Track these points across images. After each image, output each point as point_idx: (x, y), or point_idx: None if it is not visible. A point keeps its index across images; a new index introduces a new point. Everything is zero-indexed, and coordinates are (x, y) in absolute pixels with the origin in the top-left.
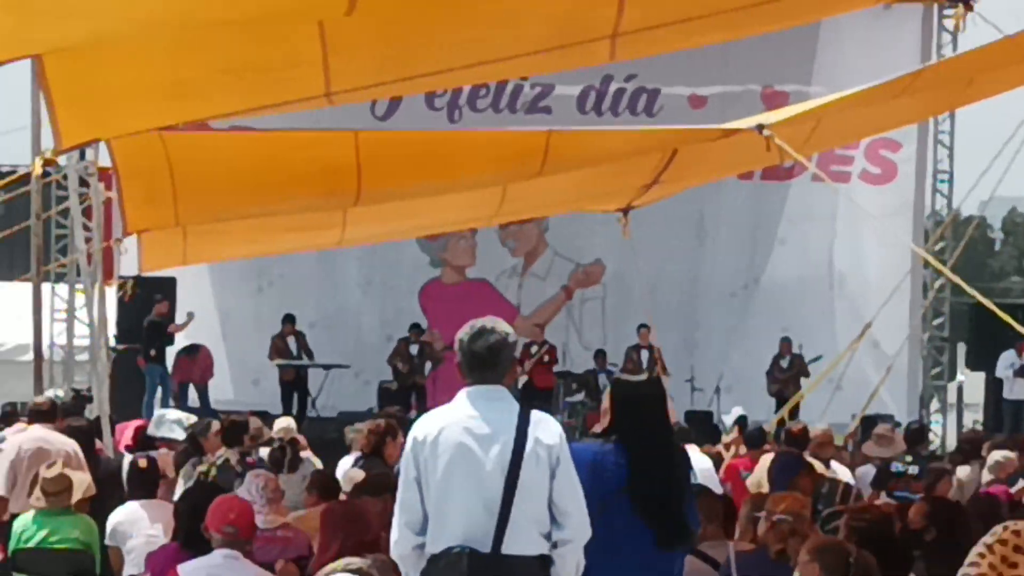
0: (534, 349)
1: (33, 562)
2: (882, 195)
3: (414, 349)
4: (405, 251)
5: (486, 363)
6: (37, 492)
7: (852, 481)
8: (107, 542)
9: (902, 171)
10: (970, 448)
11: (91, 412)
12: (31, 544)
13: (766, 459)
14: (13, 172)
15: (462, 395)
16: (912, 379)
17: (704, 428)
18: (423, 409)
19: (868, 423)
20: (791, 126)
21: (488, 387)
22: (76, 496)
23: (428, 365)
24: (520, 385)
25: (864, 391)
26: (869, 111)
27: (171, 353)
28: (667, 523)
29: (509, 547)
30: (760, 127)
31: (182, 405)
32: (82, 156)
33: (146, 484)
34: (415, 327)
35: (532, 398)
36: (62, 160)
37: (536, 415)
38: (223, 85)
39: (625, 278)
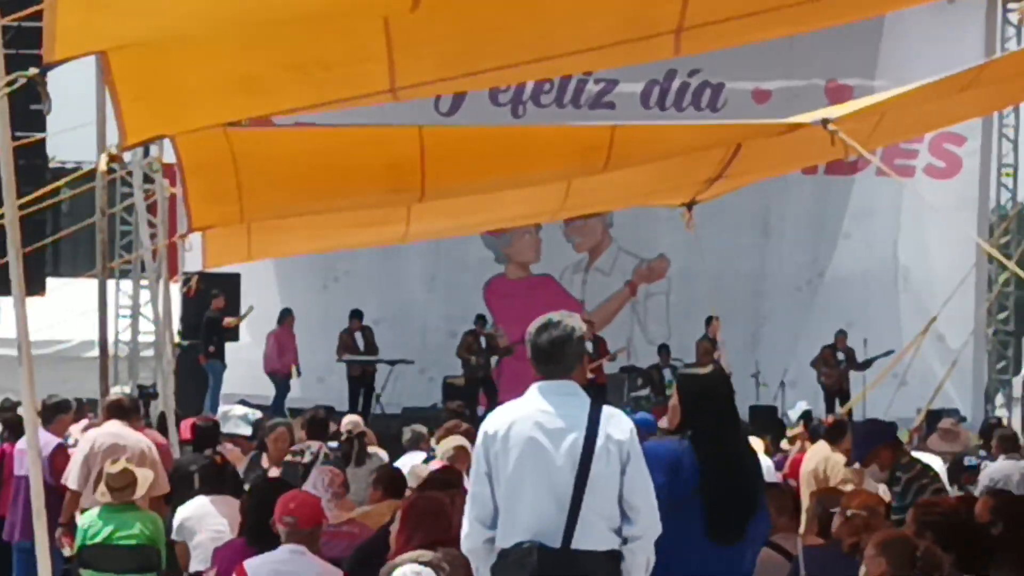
0: (588, 346)
1: (99, 558)
2: (946, 189)
3: (483, 341)
4: (470, 247)
5: (550, 357)
6: (102, 487)
7: (942, 471)
8: (174, 537)
9: (966, 165)
10: None
11: (156, 408)
12: (97, 540)
13: (816, 450)
14: (78, 169)
15: (533, 389)
16: (977, 373)
17: (769, 423)
18: (494, 403)
19: (933, 417)
20: (855, 120)
21: (559, 382)
22: (140, 492)
23: (493, 360)
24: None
25: (929, 386)
26: (933, 105)
27: (232, 348)
28: (727, 519)
29: (579, 542)
30: (825, 121)
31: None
32: (147, 152)
33: (220, 480)
34: (480, 318)
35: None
36: (127, 157)
37: (608, 410)
38: (288, 81)
39: (689, 273)
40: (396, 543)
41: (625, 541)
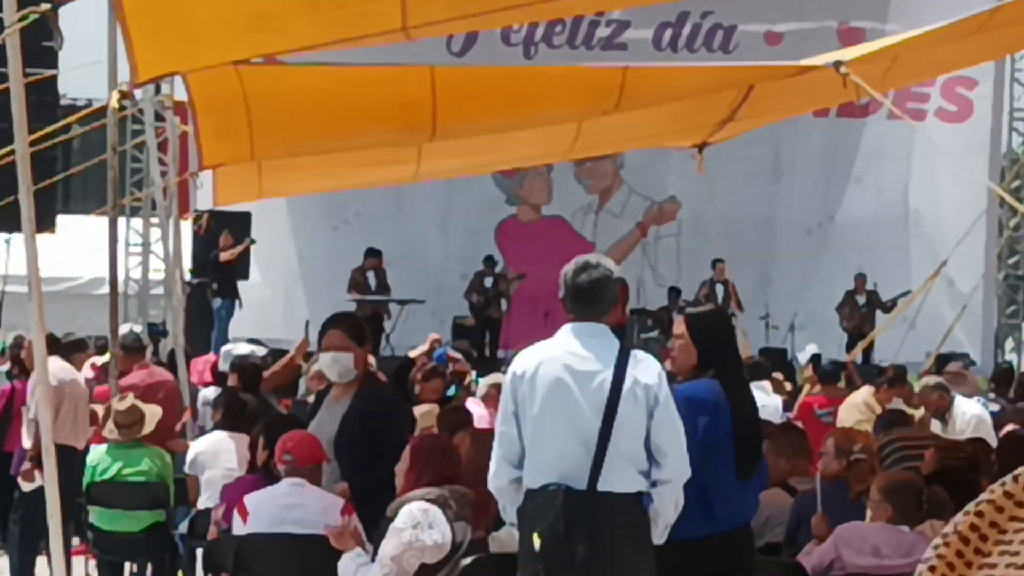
0: None
1: (108, 494)
2: (958, 133)
3: (488, 282)
4: (481, 189)
5: (588, 298)
6: (110, 424)
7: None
8: (186, 470)
9: (978, 109)
10: None
11: (166, 346)
12: (106, 477)
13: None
14: (89, 105)
15: (564, 330)
16: (987, 318)
17: (778, 365)
18: (495, 345)
19: (943, 361)
20: (868, 63)
21: (591, 324)
22: (148, 428)
23: (503, 301)
24: None
25: (939, 329)
26: (946, 48)
27: (244, 287)
28: (751, 454)
29: (605, 484)
30: (837, 64)
31: None
32: (158, 90)
33: (241, 417)
34: (489, 259)
35: None
36: (138, 94)
37: (637, 354)
38: (300, 18)
39: (700, 215)
40: (405, 481)
41: (654, 484)
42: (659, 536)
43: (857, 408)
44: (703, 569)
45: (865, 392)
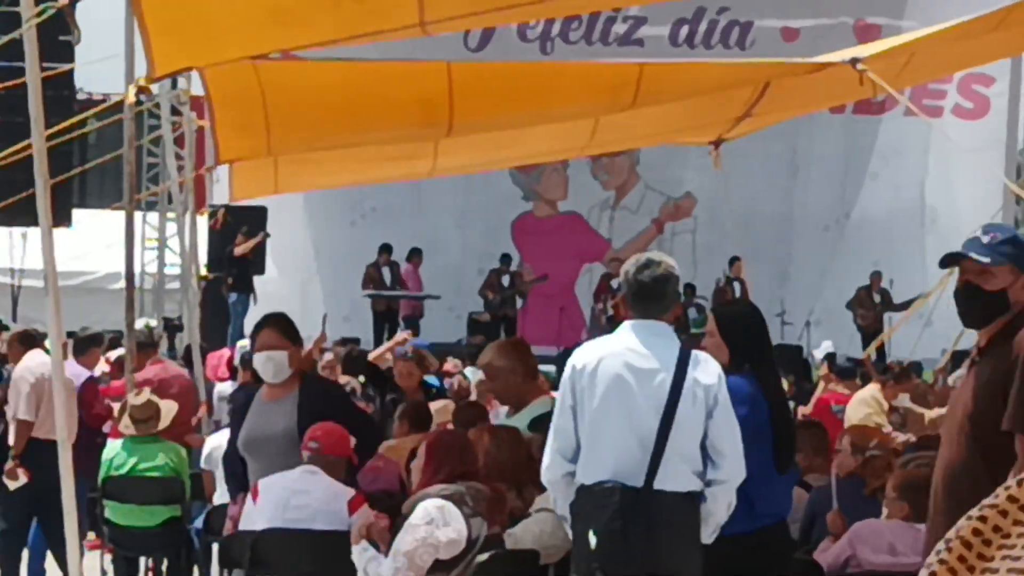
0: (614, 283)
1: (123, 489)
2: (974, 130)
3: (505, 280)
4: (498, 185)
5: (650, 296)
6: (126, 420)
7: None
8: (202, 465)
9: (995, 106)
10: None
11: (182, 341)
12: (122, 472)
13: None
14: (106, 100)
15: (625, 327)
16: None
17: (794, 362)
18: None
19: (958, 358)
20: (884, 60)
21: (652, 322)
22: (164, 423)
23: (519, 299)
24: (604, 320)
25: (955, 326)
26: (963, 45)
27: (259, 282)
28: (789, 448)
29: (661, 483)
30: (854, 60)
31: None
32: (175, 85)
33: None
34: (505, 258)
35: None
36: (155, 88)
37: (697, 354)
38: (318, 13)
39: (716, 212)
40: (422, 477)
41: (708, 484)
42: (708, 536)
43: (866, 403)
44: (746, 565)
45: (872, 388)
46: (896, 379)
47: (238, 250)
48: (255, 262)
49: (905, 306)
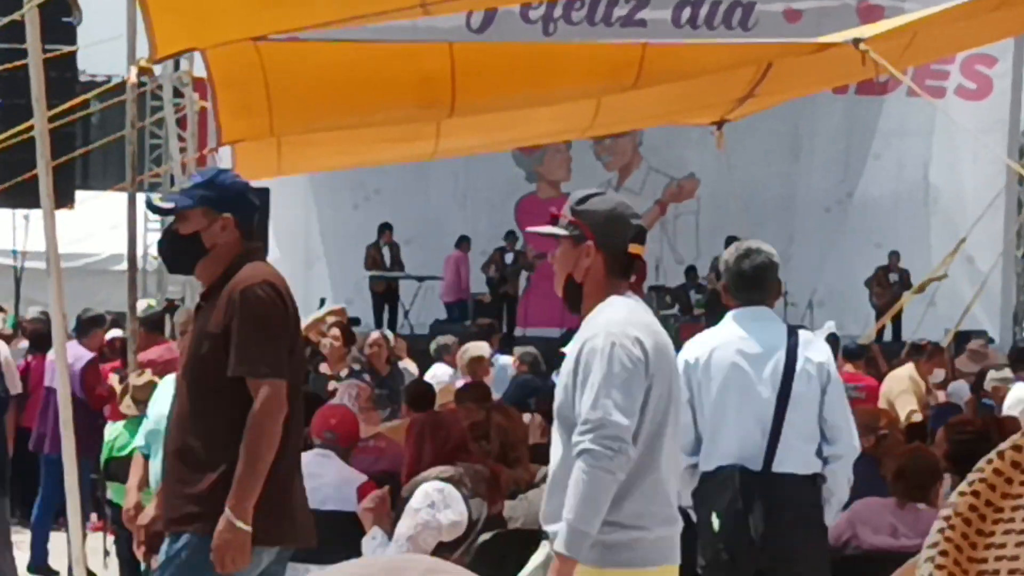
0: None
1: (127, 470)
2: (977, 110)
3: (508, 258)
4: (501, 166)
5: (752, 284)
6: (127, 400)
7: None
8: None
9: (998, 86)
10: None
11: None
12: (124, 453)
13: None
14: (108, 82)
15: (729, 317)
16: (1006, 295)
17: None
18: (512, 322)
19: (962, 339)
20: (887, 40)
21: (756, 308)
22: None
23: (523, 276)
24: None
25: (958, 307)
26: (965, 25)
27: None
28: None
29: (780, 465)
30: (856, 41)
31: None
32: (177, 66)
33: None
34: (510, 235)
35: None
36: (157, 70)
37: (804, 334)
38: None
39: (719, 193)
40: (407, 461)
41: (826, 461)
42: (832, 516)
43: (902, 380)
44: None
45: (909, 367)
46: (929, 357)
47: None
48: None
49: (922, 288)
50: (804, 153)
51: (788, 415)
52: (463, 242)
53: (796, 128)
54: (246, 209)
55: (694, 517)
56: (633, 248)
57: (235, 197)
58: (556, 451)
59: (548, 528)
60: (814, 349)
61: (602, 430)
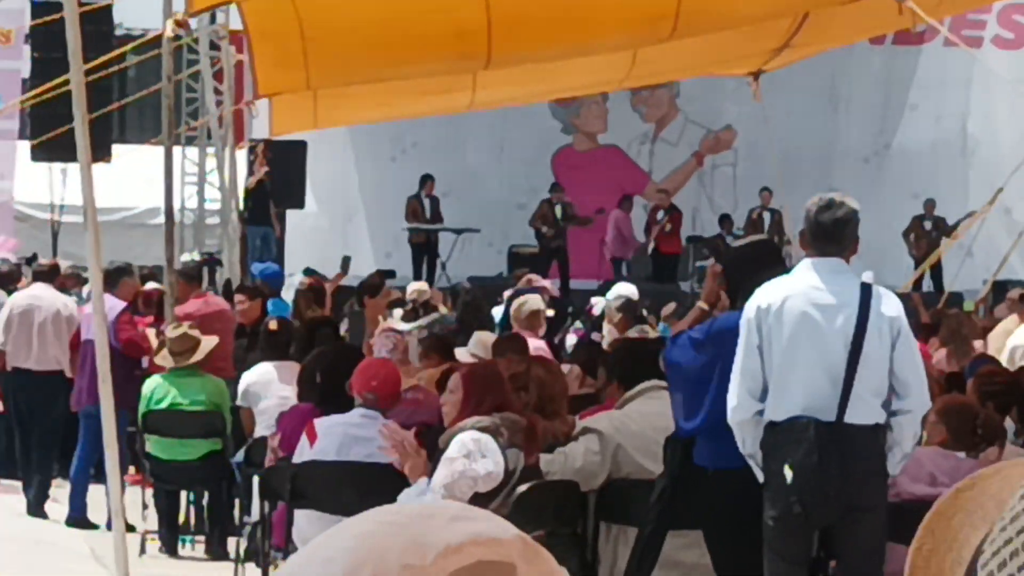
0: (660, 215)
1: (165, 423)
2: (1015, 60)
3: (558, 211)
4: (537, 118)
5: (832, 236)
6: (164, 352)
7: None
8: (239, 402)
9: None
10: None
11: (222, 275)
12: (162, 406)
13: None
14: (144, 35)
15: (804, 265)
16: None
17: None
18: (566, 274)
19: (999, 289)
20: None
21: (832, 259)
22: (200, 355)
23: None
24: (649, 252)
25: (995, 257)
26: None
27: (296, 217)
28: None
29: (851, 417)
30: None
31: None
32: (213, 19)
33: (278, 346)
34: (556, 187)
35: (658, 265)
36: (193, 23)
37: (877, 289)
38: None
39: (756, 144)
40: (459, 411)
41: (894, 414)
42: (895, 466)
43: (1008, 332)
44: (742, 498)
45: (1013, 319)
46: None
47: (249, 181)
48: (280, 193)
49: (954, 228)
50: (841, 104)
51: (859, 369)
52: (625, 201)
53: (833, 79)
54: None
55: (753, 466)
56: None
57: None
58: None
59: None
60: (886, 304)
61: None
